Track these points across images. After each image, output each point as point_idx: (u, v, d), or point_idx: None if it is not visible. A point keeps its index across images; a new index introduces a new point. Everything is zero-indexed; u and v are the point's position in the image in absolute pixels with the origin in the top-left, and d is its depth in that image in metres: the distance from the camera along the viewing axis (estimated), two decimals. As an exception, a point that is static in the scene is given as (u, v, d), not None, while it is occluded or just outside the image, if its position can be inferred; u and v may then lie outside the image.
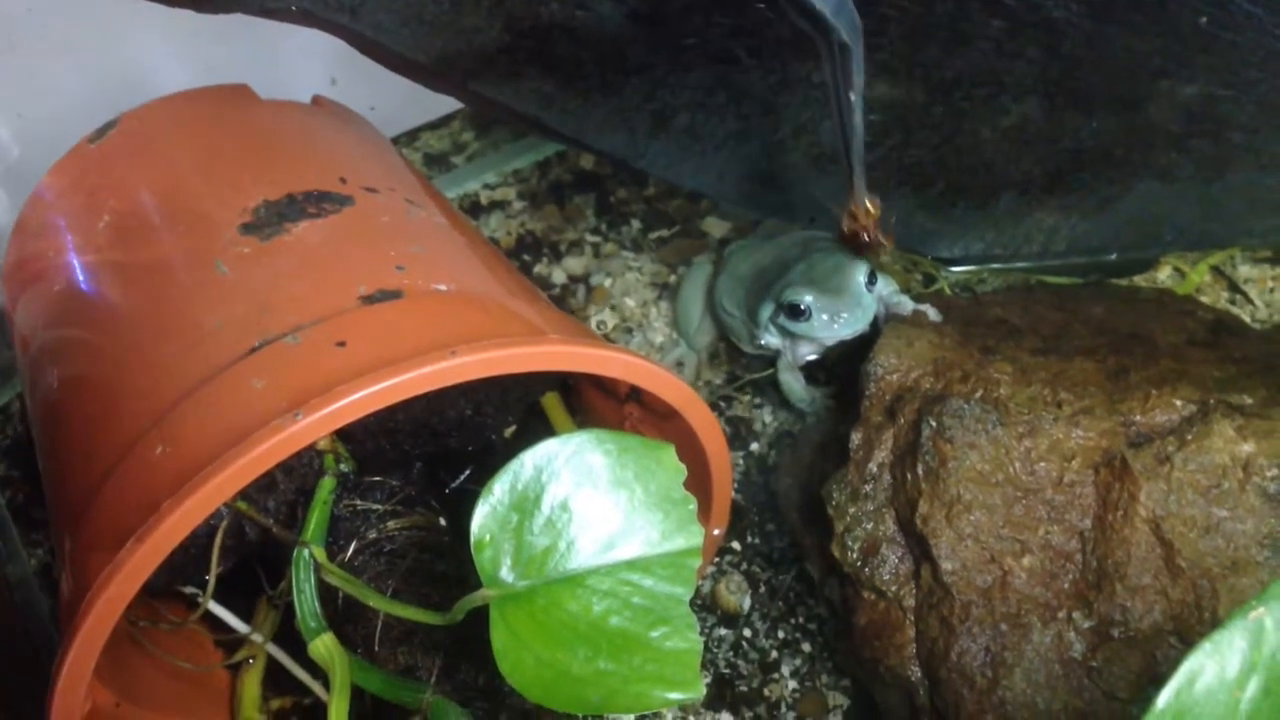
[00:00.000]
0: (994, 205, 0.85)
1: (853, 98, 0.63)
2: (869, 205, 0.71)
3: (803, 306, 0.78)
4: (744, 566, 0.84)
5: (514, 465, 0.51)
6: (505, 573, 0.51)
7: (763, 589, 0.82)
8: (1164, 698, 0.37)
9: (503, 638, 0.50)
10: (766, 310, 0.82)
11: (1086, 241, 0.89)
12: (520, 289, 0.70)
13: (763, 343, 0.84)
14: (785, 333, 0.82)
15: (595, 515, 0.52)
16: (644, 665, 0.49)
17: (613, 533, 0.52)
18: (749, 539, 0.85)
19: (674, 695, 0.48)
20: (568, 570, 0.51)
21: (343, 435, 0.69)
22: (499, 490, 0.51)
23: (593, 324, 1.00)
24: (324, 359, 0.55)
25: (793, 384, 0.85)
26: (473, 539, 0.51)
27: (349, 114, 0.88)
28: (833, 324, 0.79)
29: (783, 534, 0.84)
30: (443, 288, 0.63)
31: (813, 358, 0.85)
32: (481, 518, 0.51)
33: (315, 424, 0.51)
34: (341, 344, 0.56)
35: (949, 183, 0.83)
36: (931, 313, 0.81)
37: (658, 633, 0.50)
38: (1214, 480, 0.65)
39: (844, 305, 0.78)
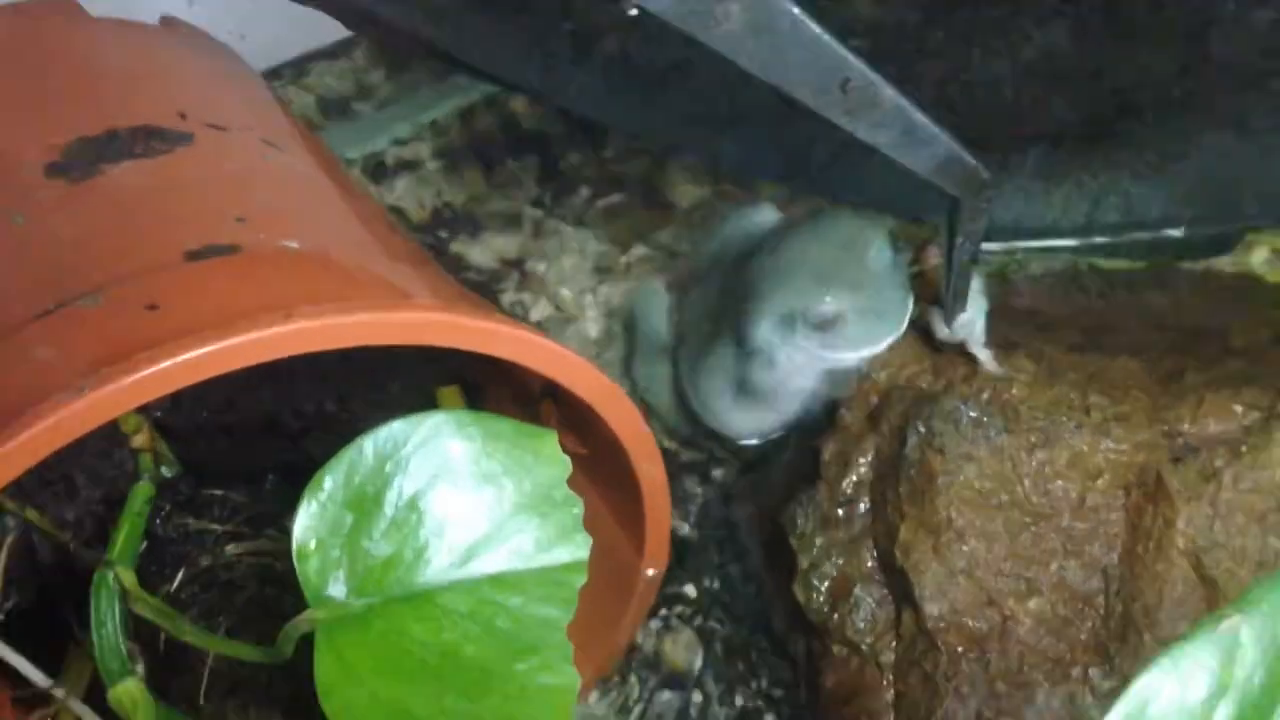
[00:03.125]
0: (1020, 163, 0.87)
1: (960, 242, 0.69)
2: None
3: (842, 314, 0.75)
4: (698, 619, 0.85)
5: (349, 452, 0.53)
6: (336, 588, 0.53)
7: (719, 645, 0.84)
8: (1109, 727, 0.39)
9: (330, 670, 0.52)
10: (766, 325, 0.77)
11: (1144, 211, 0.91)
12: (403, 252, 0.72)
13: (770, 373, 0.80)
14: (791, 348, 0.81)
15: (453, 517, 0.53)
16: (504, 706, 0.50)
17: (474, 540, 0.53)
18: (706, 583, 0.87)
19: (541, 744, 0.50)
20: (415, 586, 0.53)
21: (169, 432, 0.71)
22: (330, 484, 0.53)
23: (530, 315, 1.02)
24: (128, 323, 0.57)
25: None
26: (295, 546, 0.53)
27: (204, 39, 0.90)
28: (877, 331, 0.76)
29: (749, 578, 0.86)
30: (292, 244, 0.65)
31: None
32: (307, 519, 0.53)
33: (104, 400, 0.53)
34: (153, 306, 0.58)
35: (960, 132, 0.84)
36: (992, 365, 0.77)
37: (525, 665, 0.51)
38: (1272, 503, 0.67)
39: (888, 300, 0.75)
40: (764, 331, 0.78)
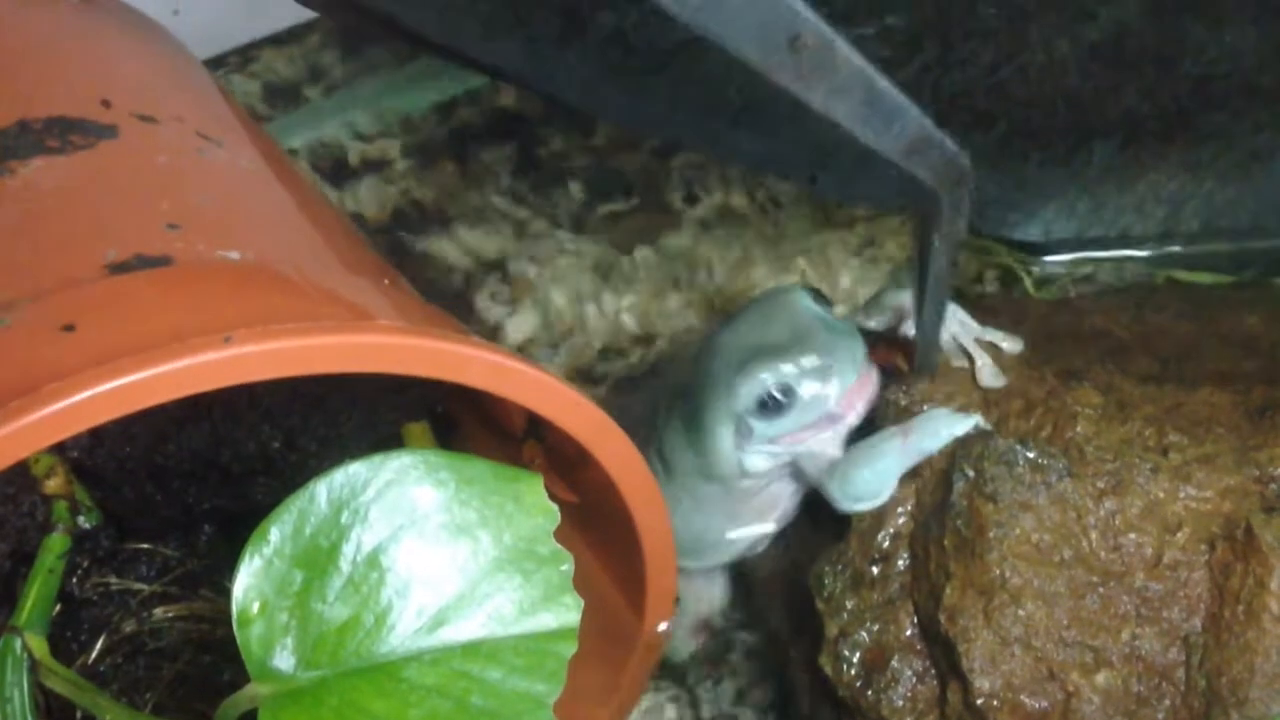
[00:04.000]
0: (1085, 161, 0.87)
1: (936, 244, 0.68)
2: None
3: (787, 387, 0.75)
4: (707, 696, 0.85)
5: (299, 500, 0.53)
6: (283, 659, 0.53)
7: (729, 730, 0.84)
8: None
9: (276, 755, 0.52)
10: (721, 435, 0.78)
11: (1231, 218, 0.91)
12: (363, 264, 0.72)
13: (749, 483, 0.80)
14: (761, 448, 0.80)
15: (420, 576, 0.53)
16: (481, 797, 0.50)
17: (445, 602, 0.53)
18: (717, 654, 0.87)
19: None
20: (376, 656, 0.53)
21: (88, 475, 0.71)
22: (276, 537, 0.53)
23: (505, 333, 1.02)
24: (39, 347, 0.57)
25: (884, 460, 0.76)
26: (235, 608, 0.53)
27: (132, 16, 0.91)
28: (835, 387, 0.76)
29: (764, 646, 0.86)
30: (232, 255, 0.65)
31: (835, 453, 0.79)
32: (249, 577, 0.53)
33: (9, 439, 0.53)
34: (69, 328, 0.58)
35: (1013, 125, 0.85)
36: (1007, 343, 0.80)
37: (504, 750, 0.51)
38: (1383, 560, 0.67)
39: (827, 350, 0.75)
40: (723, 446, 0.78)
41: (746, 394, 0.75)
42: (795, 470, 0.80)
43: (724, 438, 0.78)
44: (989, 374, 0.77)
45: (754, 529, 0.83)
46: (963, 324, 0.79)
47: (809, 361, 0.75)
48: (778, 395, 0.75)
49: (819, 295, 0.79)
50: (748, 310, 0.80)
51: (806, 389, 0.75)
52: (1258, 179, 0.89)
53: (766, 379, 0.75)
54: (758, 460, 0.78)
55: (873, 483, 0.75)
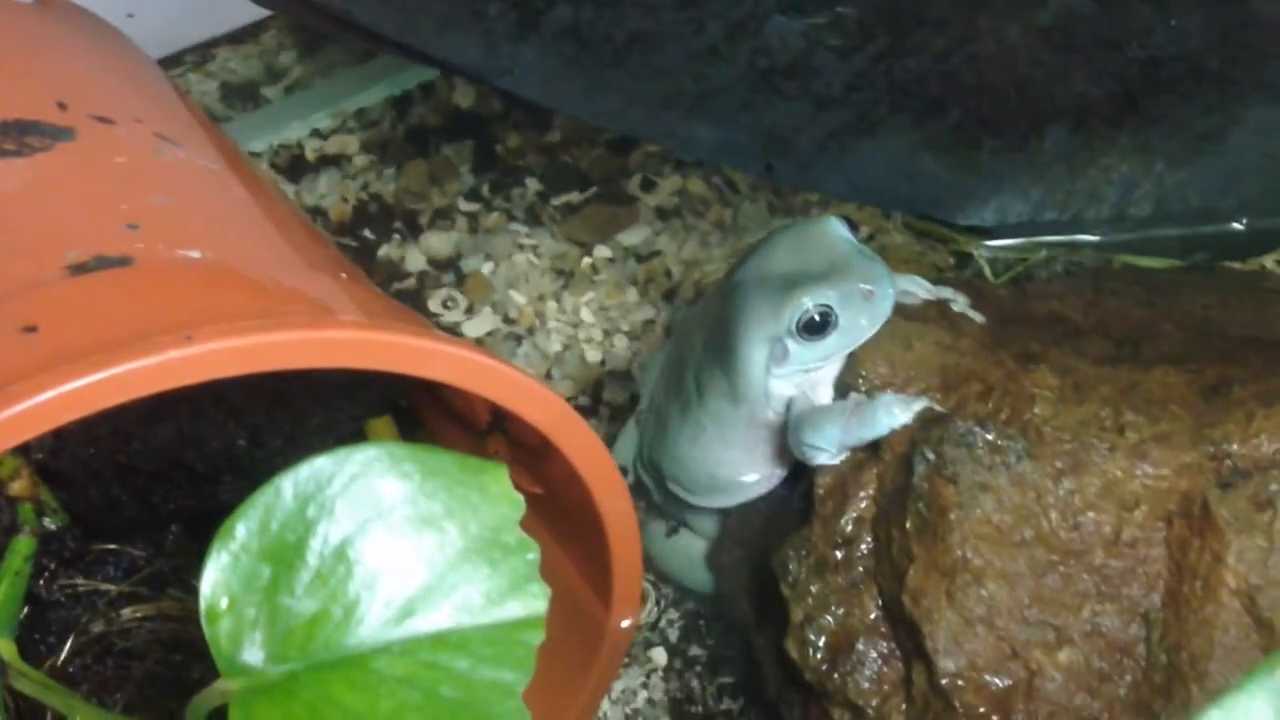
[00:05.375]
0: (1038, 146, 0.87)
1: None
2: None
3: (828, 310, 0.76)
4: (674, 682, 0.85)
5: (265, 495, 0.53)
6: (253, 654, 0.53)
7: (699, 712, 0.84)
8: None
9: (247, 750, 0.52)
10: (755, 359, 0.80)
11: (1182, 201, 0.91)
12: (323, 261, 0.72)
13: (772, 413, 0.82)
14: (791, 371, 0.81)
15: (388, 568, 0.53)
16: (452, 786, 0.50)
17: (413, 593, 0.53)
18: (683, 641, 0.87)
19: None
20: (345, 648, 0.53)
21: (53, 477, 0.71)
22: (243, 532, 0.53)
23: (465, 329, 1.02)
24: (1, 348, 0.57)
25: (829, 427, 0.78)
26: (203, 605, 0.53)
27: (87, 19, 0.91)
28: (870, 312, 0.78)
29: (734, 634, 0.86)
30: (192, 254, 0.65)
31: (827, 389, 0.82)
32: (217, 574, 0.53)
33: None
34: (30, 329, 0.58)
35: (966, 111, 0.85)
36: (959, 300, 0.82)
37: (474, 739, 0.51)
38: (1337, 533, 0.67)
39: (866, 276, 0.77)
40: (755, 370, 0.79)
41: (790, 316, 0.76)
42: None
43: (757, 361, 0.79)
44: (960, 302, 0.80)
45: (764, 472, 0.84)
46: (917, 283, 0.82)
47: (850, 286, 0.76)
48: (818, 318, 0.76)
49: (850, 224, 0.80)
50: (778, 239, 0.81)
51: (846, 312, 0.76)
52: (1207, 161, 0.89)
53: (807, 302, 0.76)
54: (782, 386, 0.80)
55: (812, 446, 0.77)
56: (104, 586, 0.72)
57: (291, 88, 1.18)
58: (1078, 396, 0.74)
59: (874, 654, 0.72)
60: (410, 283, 1.06)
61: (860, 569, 0.74)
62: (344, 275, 0.72)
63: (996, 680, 0.69)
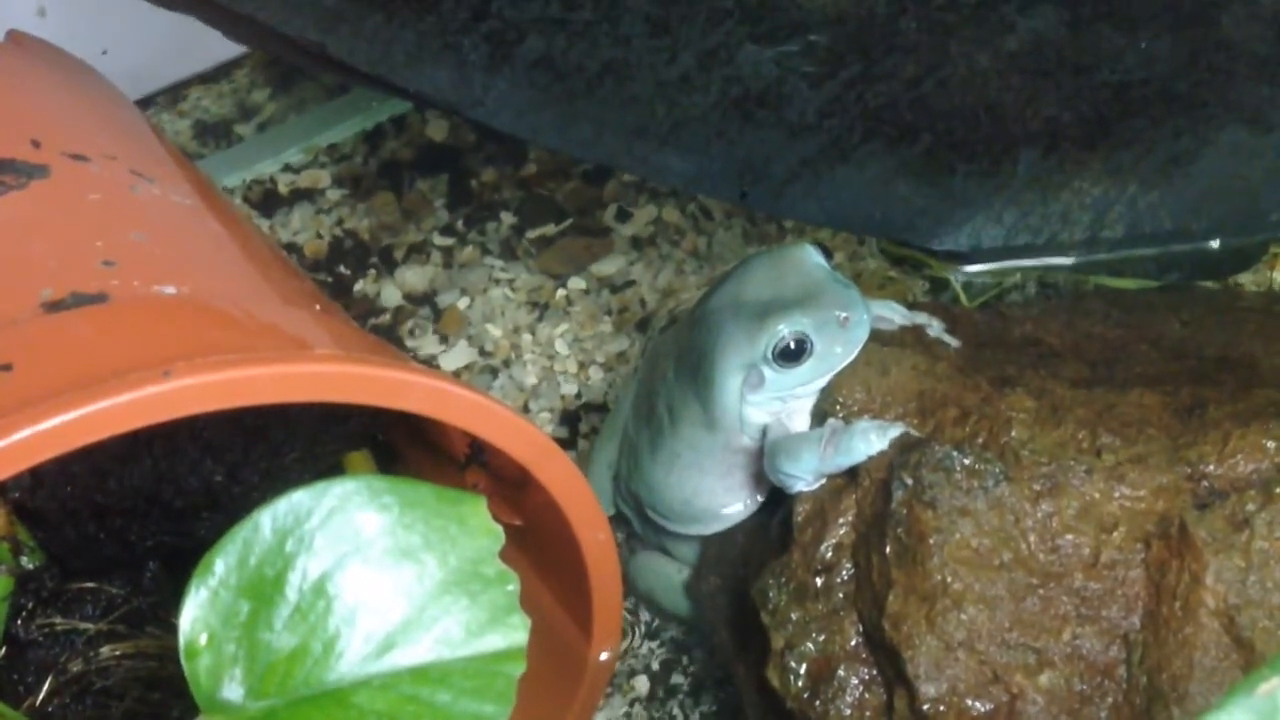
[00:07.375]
0: (1010, 170, 0.88)
1: None
2: None
3: (804, 337, 0.76)
4: (654, 713, 0.85)
5: (243, 530, 0.53)
6: (232, 690, 0.53)
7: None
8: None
9: (228, 787, 0.51)
10: (730, 386, 0.80)
11: (1154, 223, 0.92)
12: (299, 295, 0.72)
13: (748, 440, 0.82)
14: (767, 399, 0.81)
15: (367, 601, 0.53)
16: (434, 820, 0.50)
17: (393, 627, 0.53)
18: (664, 670, 0.87)
19: None
20: (325, 683, 0.52)
21: (29, 515, 0.70)
22: (221, 568, 0.53)
23: (442, 362, 1.02)
24: (-25, 389, 0.57)
25: (806, 455, 0.78)
26: (182, 642, 0.52)
27: (61, 57, 0.90)
28: (846, 339, 0.78)
29: (712, 660, 0.86)
30: (168, 290, 0.65)
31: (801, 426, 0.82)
32: (196, 610, 0.52)
33: (-51, 479, 0.53)
34: (5, 367, 0.58)
35: (938, 136, 0.85)
36: (934, 325, 0.82)
37: (456, 772, 0.51)
38: (1313, 552, 0.68)
39: (841, 303, 0.78)
40: (729, 397, 0.80)
41: (766, 343, 0.77)
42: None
43: (732, 388, 0.79)
44: (935, 327, 0.81)
45: (741, 499, 0.84)
46: (892, 308, 0.82)
47: (825, 313, 0.77)
48: (794, 345, 0.76)
49: (825, 250, 0.80)
50: (752, 266, 0.81)
51: (822, 339, 0.77)
52: (1178, 183, 0.90)
53: (783, 329, 0.76)
54: (756, 414, 0.80)
55: (788, 474, 0.77)
56: (82, 625, 0.71)
57: (264, 125, 1.19)
58: (1054, 419, 0.74)
59: (855, 681, 0.72)
60: (385, 318, 1.06)
61: (840, 595, 0.74)
62: (319, 309, 0.72)
63: (978, 704, 0.69)
